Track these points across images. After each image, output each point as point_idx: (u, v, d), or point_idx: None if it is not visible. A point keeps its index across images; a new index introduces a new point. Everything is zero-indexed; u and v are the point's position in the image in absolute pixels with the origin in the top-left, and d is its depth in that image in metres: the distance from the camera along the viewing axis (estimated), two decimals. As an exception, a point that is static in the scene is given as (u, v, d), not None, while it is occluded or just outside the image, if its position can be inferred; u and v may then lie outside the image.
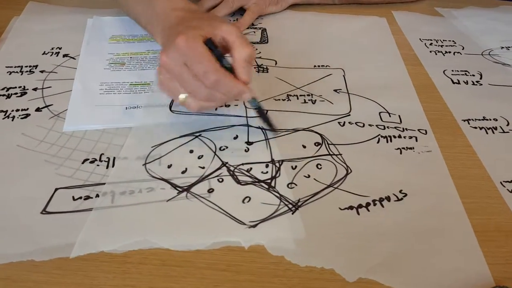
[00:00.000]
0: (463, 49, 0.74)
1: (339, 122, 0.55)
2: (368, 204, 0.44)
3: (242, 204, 0.44)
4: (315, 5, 0.84)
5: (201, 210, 0.43)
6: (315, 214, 0.43)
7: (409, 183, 0.47)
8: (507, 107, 0.60)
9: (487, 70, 0.68)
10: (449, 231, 0.42)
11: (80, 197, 0.43)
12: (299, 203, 0.44)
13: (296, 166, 0.48)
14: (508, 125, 0.56)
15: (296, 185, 0.46)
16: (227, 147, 0.50)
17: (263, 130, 0.53)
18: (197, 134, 0.51)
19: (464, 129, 0.55)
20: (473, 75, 0.67)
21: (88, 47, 0.66)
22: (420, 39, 0.76)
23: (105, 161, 0.47)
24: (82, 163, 0.47)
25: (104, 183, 0.45)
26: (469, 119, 0.57)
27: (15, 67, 0.61)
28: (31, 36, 0.68)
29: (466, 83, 0.65)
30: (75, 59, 0.63)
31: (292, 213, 0.43)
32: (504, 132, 0.55)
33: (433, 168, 0.49)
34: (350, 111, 0.57)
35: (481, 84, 0.65)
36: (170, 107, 0.55)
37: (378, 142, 0.52)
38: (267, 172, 0.47)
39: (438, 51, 0.73)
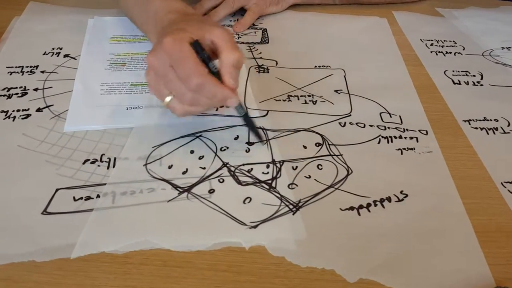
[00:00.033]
0: (463, 49, 0.74)
1: (339, 123, 0.55)
2: (369, 205, 0.44)
3: (243, 204, 0.44)
4: (316, 6, 0.84)
5: (202, 211, 0.43)
6: (316, 214, 0.43)
7: (410, 184, 0.47)
8: (508, 108, 0.60)
9: (488, 70, 0.68)
10: (450, 232, 0.42)
11: (81, 198, 0.43)
12: (300, 204, 0.44)
13: (297, 167, 0.48)
14: (509, 125, 0.56)
15: (297, 185, 0.46)
16: (227, 148, 0.50)
17: (264, 131, 0.53)
18: (198, 135, 0.51)
19: (465, 130, 0.55)
20: (474, 76, 0.67)
21: (89, 47, 0.66)
22: (420, 39, 0.76)
23: (106, 161, 0.47)
24: (83, 163, 0.47)
25: (105, 184, 0.45)
26: (470, 120, 0.57)
27: (16, 67, 0.61)
28: (32, 36, 0.68)
29: (467, 83, 0.65)
30: (76, 59, 0.64)
31: (293, 214, 0.43)
32: (505, 132, 0.55)
33: (434, 168, 0.49)
34: (350, 112, 0.57)
35: (482, 85, 0.65)
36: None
37: (379, 142, 0.52)
38: (267, 172, 0.47)
39: (439, 52, 0.73)
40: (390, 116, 0.57)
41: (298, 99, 0.59)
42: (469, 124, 0.56)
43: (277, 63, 0.66)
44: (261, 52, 0.69)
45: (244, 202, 0.44)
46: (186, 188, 0.45)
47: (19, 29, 0.69)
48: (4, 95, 0.56)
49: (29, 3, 0.76)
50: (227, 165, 0.48)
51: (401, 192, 0.46)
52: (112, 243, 0.39)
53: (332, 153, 0.50)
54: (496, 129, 0.56)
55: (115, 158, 0.48)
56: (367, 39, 0.75)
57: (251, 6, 0.77)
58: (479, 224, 0.43)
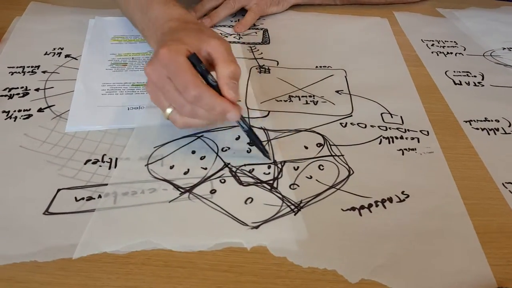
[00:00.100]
0: (464, 50, 0.74)
1: (341, 123, 0.55)
2: (370, 205, 0.44)
3: (245, 205, 0.44)
4: (317, 6, 0.85)
5: (203, 211, 0.43)
6: (317, 215, 0.43)
7: (411, 184, 0.47)
8: (509, 108, 0.60)
9: (488, 71, 0.68)
10: (451, 232, 0.42)
11: (83, 198, 0.43)
12: (301, 204, 0.44)
13: (298, 167, 0.48)
14: (510, 126, 0.57)
15: (298, 186, 0.46)
16: (229, 148, 0.50)
17: (265, 131, 0.53)
18: (199, 135, 0.51)
19: (466, 130, 0.55)
20: (475, 76, 0.67)
21: (90, 48, 0.66)
22: (421, 40, 0.76)
23: (107, 161, 0.47)
24: (85, 163, 0.47)
25: (106, 184, 0.45)
26: (471, 120, 0.57)
27: (17, 67, 0.61)
28: (33, 36, 0.68)
29: (468, 84, 0.65)
30: (77, 59, 0.64)
31: (295, 214, 0.43)
32: (506, 133, 0.55)
33: (435, 169, 0.49)
34: (352, 112, 0.57)
35: (483, 85, 0.65)
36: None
37: (380, 143, 0.52)
38: (269, 173, 0.47)
39: (440, 52, 0.73)
40: (391, 117, 0.57)
41: (299, 99, 0.59)
42: (470, 124, 0.56)
43: (278, 64, 0.66)
44: (262, 53, 0.69)
45: (245, 202, 0.44)
46: (187, 189, 0.45)
47: (20, 29, 0.69)
48: (6, 95, 0.56)
49: (30, 3, 0.76)
50: (229, 166, 0.48)
51: (402, 192, 0.46)
52: (114, 244, 0.39)
53: (333, 154, 0.50)
54: (497, 129, 0.56)
55: (116, 159, 0.48)
56: (368, 39, 0.75)
57: (252, 7, 0.77)
58: (480, 225, 0.43)
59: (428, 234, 0.42)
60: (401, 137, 0.53)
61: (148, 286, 0.37)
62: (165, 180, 0.46)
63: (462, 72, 0.68)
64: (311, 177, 0.47)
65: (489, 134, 0.55)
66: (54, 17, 0.73)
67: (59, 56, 0.64)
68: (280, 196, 0.45)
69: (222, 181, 0.46)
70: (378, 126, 0.55)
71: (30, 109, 0.54)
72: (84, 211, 0.42)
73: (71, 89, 0.57)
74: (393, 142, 0.52)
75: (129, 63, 0.63)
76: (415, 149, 0.52)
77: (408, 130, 0.54)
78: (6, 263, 0.37)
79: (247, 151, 0.50)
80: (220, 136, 0.51)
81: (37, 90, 0.57)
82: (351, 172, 0.48)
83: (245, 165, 0.48)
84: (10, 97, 0.56)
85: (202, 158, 0.48)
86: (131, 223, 0.41)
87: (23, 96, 0.56)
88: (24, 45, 0.66)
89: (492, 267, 0.39)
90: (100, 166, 0.47)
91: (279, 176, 0.47)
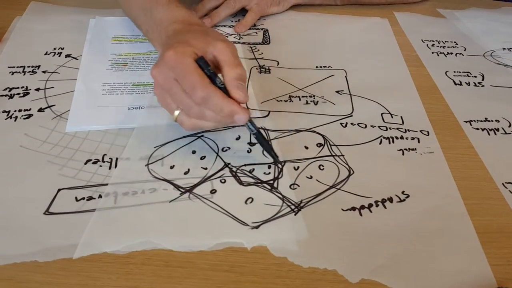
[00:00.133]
0: (465, 50, 0.74)
1: (341, 123, 0.55)
2: (370, 205, 0.44)
3: (245, 205, 0.44)
4: (317, 6, 0.85)
5: (203, 211, 0.43)
6: (317, 215, 0.43)
7: (411, 184, 0.47)
8: (509, 109, 0.60)
9: (489, 71, 0.68)
10: (451, 232, 0.42)
11: (83, 198, 0.43)
12: (302, 204, 0.44)
13: (298, 167, 0.48)
14: (510, 126, 0.57)
15: (298, 186, 0.46)
16: (229, 148, 0.50)
17: (266, 131, 0.53)
18: (200, 135, 0.51)
19: (466, 130, 0.55)
20: (475, 77, 0.67)
21: (90, 48, 0.66)
22: (422, 40, 0.76)
23: (107, 161, 0.47)
24: (85, 163, 0.47)
25: (106, 184, 0.45)
26: (471, 121, 0.57)
27: (18, 67, 0.61)
28: (34, 36, 0.68)
29: (468, 84, 0.65)
30: (77, 59, 0.64)
31: (295, 214, 0.43)
32: (506, 133, 0.55)
33: (435, 169, 0.49)
34: (352, 112, 0.57)
35: (483, 86, 0.65)
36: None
37: (380, 143, 0.52)
38: (269, 173, 0.47)
39: (440, 52, 0.73)
40: (392, 117, 0.57)
41: (300, 99, 0.59)
42: (470, 124, 0.56)
43: (278, 64, 0.66)
44: (262, 53, 0.69)
45: (246, 202, 0.44)
46: (188, 189, 0.45)
47: (21, 29, 0.69)
48: (6, 95, 0.56)
49: (31, 3, 0.76)
50: (229, 166, 0.48)
51: (402, 192, 0.46)
52: (114, 243, 0.39)
53: (333, 154, 0.50)
54: (497, 129, 0.56)
55: (117, 158, 0.48)
56: (368, 39, 0.75)
57: (252, 7, 0.77)
58: (480, 225, 0.43)
59: (428, 234, 0.42)
60: (401, 137, 0.53)
61: (149, 286, 0.37)
62: (165, 180, 0.46)
63: (462, 72, 0.68)
64: (311, 177, 0.47)
65: (489, 134, 0.55)
66: (55, 17, 0.73)
67: (59, 56, 0.64)
68: (281, 196, 0.45)
69: (223, 181, 0.46)
70: (379, 126, 0.55)
71: (30, 109, 0.54)
72: (85, 211, 0.42)
73: (71, 89, 0.57)
74: (393, 142, 0.53)
75: (129, 63, 0.63)
76: (415, 149, 0.52)
77: (408, 130, 0.54)
78: (7, 263, 0.37)
79: (248, 151, 0.50)
80: (221, 136, 0.51)
81: (37, 90, 0.57)
82: (351, 172, 0.48)
83: (245, 165, 0.48)
84: (11, 97, 0.56)
85: (202, 158, 0.48)
86: (132, 223, 0.41)
87: (23, 96, 0.56)
88: (24, 45, 0.66)
89: (492, 267, 0.39)
90: (100, 166, 0.47)
91: (279, 176, 0.47)
